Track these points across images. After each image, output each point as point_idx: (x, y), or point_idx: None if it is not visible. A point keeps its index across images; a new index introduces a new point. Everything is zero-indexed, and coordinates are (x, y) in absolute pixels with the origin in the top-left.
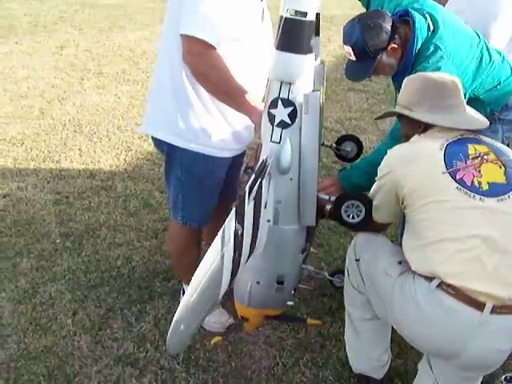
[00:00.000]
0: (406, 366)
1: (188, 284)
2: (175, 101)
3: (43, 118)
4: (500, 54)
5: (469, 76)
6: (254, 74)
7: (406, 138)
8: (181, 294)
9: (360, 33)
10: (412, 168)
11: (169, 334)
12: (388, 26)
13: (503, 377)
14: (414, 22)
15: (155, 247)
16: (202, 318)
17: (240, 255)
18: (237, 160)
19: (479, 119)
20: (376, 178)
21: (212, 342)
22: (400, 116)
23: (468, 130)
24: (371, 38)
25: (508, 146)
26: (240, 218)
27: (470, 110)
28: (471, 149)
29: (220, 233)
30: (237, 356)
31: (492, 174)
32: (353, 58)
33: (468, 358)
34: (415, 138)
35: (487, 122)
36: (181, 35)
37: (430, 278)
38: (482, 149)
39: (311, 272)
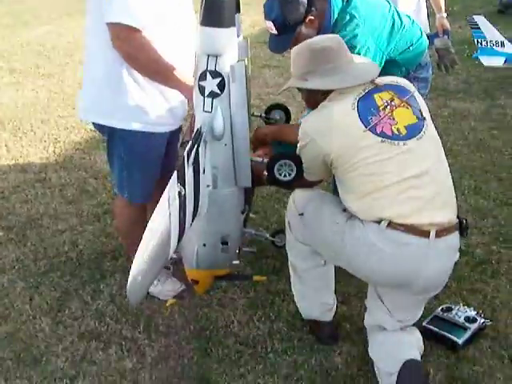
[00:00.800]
0: (351, 311)
1: None
2: (110, 85)
3: None
4: (410, 18)
5: (383, 40)
6: (180, 51)
7: (313, 105)
8: None
9: (279, 8)
10: (333, 135)
11: (128, 285)
12: (304, 0)
13: (439, 308)
14: None
15: (99, 230)
16: (156, 271)
17: (185, 215)
18: (174, 135)
19: (370, 70)
20: (298, 146)
21: (167, 304)
22: (298, 88)
23: None
24: (289, 12)
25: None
26: (182, 181)
27: (360, 62)
28: (378, 99)
29: (165, 194)
30: (194, 320)
31: (404, 117)
32: (274, 31)
33: (422, 281)
34: (323, 103)
35: (377, 71)
36: (106, 23)
37: (378, 222)
38: (386, 96)
39: (253, 234)
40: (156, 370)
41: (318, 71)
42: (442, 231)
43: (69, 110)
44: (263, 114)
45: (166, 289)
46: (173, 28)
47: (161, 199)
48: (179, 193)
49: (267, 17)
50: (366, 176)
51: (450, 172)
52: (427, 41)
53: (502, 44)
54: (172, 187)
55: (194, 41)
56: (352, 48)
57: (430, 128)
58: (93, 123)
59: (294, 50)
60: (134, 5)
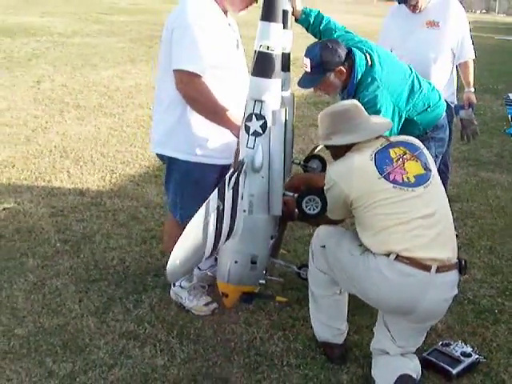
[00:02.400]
0: (362, 340)
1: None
2: (174, 122)
3: (29, 144)
4: (430, 84)
5: (403, 100)
6: (232, 94)
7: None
8: (171, 285)
9: (319, 50)
10: (353, 180)
11: (168, 266)
12: (342, 53)
13: (440, 343)
14: (354, 58)
15: (145, 251)
16: (193, 261)
17: (221, 227)
18: (226, 168)
19: (384, 124)
20: (324, 189)
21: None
22: (325, 146)
23: (383, 137)
24: (326, 56)
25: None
26: (221, 198)
27: (375, 120)
28: (392, 153)
29: (206, 203)
30: (221, 332)
31: (413, 168)
32: (308, 69)
33: (422, 310)
34: (346, 155)
35: (389, 125)
36: (173, 70)
37: (387, 254)
38: (399, 151)
39: (282, 265)
40: (184, 369)
41: (339, 131)
42: (443, 267)
43: (126, 146)
44: (302, 162)
45: (200, 304)
46: (228, 72)
47: (199, 210)
48: (218, 207)
49: (307, 54)
50: (380, 216)
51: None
52: (445, 105)
53: None
54: (212, 200)
55: (245, 83)
56: (373, 106)
57: (435, 179)
58: (156, 154)
59: (320, 115)
60: (198, 54)
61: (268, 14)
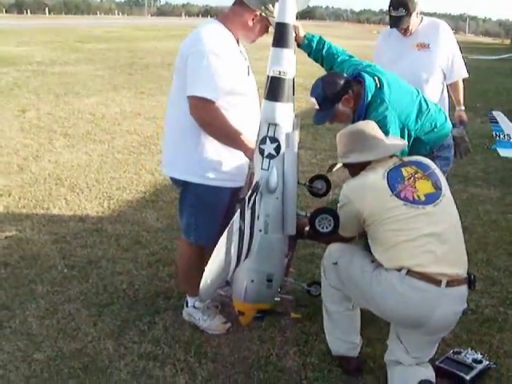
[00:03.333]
0: (374, 352)
1: (192, 296)
2: (188, 146)
3: (23, 172)
4: (437, 106)
5: (412, 120)
6: (244, 118)
7: (354, 175)
8: (184, 306)
9: (322, 87)
10: (366, 197)
11: (201, 286)
12: (343, 82)
13: (451, 351)
14: (364, 81)
15: (152, 274)
16: (220, 280)
17: (242, 247)
18: (237, 191)
19: (397, 144)
20: (338, 206)
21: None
22: (343, 164)
23: (396, 157)
24: (329, 90)
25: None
26: (242, 217)
27: (390, 140)
28: (404, 172)
29: (230, 225)
30: (238, 350)
31: (424, 187)
32: (317, 106)
33: (433, 323)
34: (360, 173)
35: (403, 144)
36: (188, 96)
37: (399, 269)
38: (411, 170)
39: (292, 283)
40: None
41: (355, 150)
42: (452, 282)
43: (120, 172)
44: (307, 183)
45: (215, 324)
46: (240, 97)
47: (227, 228)
48: (240, 227)
49: (312, 94)
50: (390, 232)
51: (466, 246)
52: (451, 126)
53: None
54: (235, 221)
55: (257, 108)
56: (383, 127)
57: (446, 198)
58: (170, 177)
59: (338, 135)
60: (212, 81)
61: (280, 41)
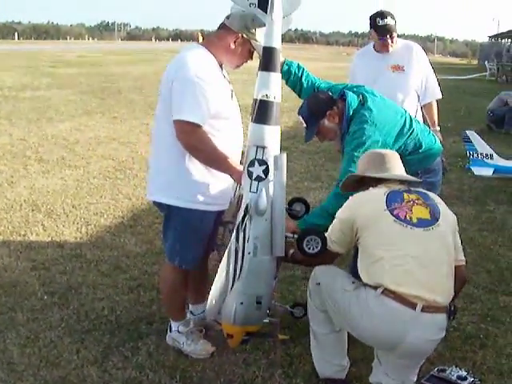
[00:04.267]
0: (360, 372)
1: (176, 321)
2: (171, 172)
3: None
4: (425, 128)
5: (391, 138)
6: (229, 142)
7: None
8: (168, 331)
9: (306, 106)
10: (364, 208)
11: (207, 306)
12: (327, 99)
13: (435, 369)
14: (346, 98)
15: (133, 300)
16: (222, 299)
17: (236, 270)
18: (220, 214)
19: (407, 176)
20: (337, 214)
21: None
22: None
23: (402, 183)
24: (313, 107)
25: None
26: (237, 239)
27: (402, 171)
28: (406, 196)
29: (228, 247)
30: (223, 374)
31: (420, 212)
32: (304, 124)
33: (406, 346)
34: (370, 189)
35: (413, 179)
36: (174, 120)
37: (376, 287)
38: (413, 196)
39: (276, 306)
40: None
41: (372, 169)
42: (429, 308)
43: (96, 197)
44: (286, 206)
45: (199, 348)
46: (225, 121)
47: (227, 250)
48: (236, 249)
49: (299, 112)
50: (377, 245)
51: None
52: (441, 150)
53: (491, 156)
54: (232, 243)
55: (240, 131)
56: (359, 138)
57: (440, 229)
58: (153, 201)
59: (362, 156)
60: (198, 105)
61: (267, 65)
